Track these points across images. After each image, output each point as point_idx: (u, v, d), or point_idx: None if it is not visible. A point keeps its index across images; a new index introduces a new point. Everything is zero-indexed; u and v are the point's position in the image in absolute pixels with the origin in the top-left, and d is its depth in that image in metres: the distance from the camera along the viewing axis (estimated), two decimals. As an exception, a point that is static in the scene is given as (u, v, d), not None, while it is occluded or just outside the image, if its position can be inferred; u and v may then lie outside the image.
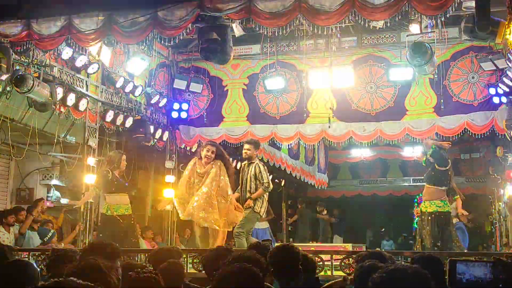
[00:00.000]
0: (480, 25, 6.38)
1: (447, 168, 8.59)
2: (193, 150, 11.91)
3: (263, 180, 8.38)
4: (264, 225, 12.22)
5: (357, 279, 3.31)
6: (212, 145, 8.58)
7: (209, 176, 8.26)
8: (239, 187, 8.63)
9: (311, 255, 4.72)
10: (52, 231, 9.25)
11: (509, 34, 6.36)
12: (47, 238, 9.04)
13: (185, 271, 7.01)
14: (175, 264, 4.18)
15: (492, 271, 2.16)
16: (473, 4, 6.74)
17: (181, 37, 7.62)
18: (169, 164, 11.61)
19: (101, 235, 8.34)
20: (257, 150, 8.70)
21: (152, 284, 2.84)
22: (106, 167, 8.48)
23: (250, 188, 8.41)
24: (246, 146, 8.58)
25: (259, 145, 8.95)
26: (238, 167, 14.31)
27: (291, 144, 11.87)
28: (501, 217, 12.00)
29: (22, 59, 8.03)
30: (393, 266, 2.49)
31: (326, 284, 4.33)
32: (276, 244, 4.45)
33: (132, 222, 8.55)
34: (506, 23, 6.43)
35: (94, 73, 9.24)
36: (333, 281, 3.99)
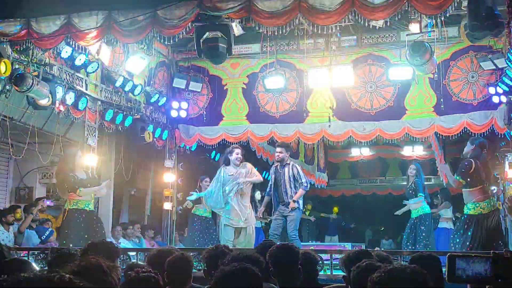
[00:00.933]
0: (486, 24, 6.34)
1: (463, 175, 8.47)
2: (192, 149, 11.94)
3: (301, 180, 8.90)
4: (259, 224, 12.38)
5: (355, 280, 3.30)
6: (239, 148, 9.33)
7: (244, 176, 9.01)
8: (271, 189, 9.17)
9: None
10: (49, 229, 9.25)
11: (509, 33, 6.36)
12: (44, 236, 9.05)
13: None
14: (184, 258, 4.18)
15: (491, 267, 2.15)
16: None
17: (181, 36, 7.62)
18: (168, 163, 11.59)
19: (66, 231, 8.34)
20: (288, 152, 9.25)
21: (152, 284, 2.84)
22: (67, 171, 8.51)
23: (290, 188, 8.90)
24: (277, 149, 9.24)
25: (290, 147, 9.64)
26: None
27: (290, 143, 11.86)
28: (500, 216, 12.00)
29: (21, 58, 8.03)
30: (392, 266, 2.48)
31: None
32: (276, 244, 4.45)
33: (93, 218, 8.51)
34: (506, 22, 6.42)
35: (93, 72, 9.23)
36: (332, 286, 3.99)
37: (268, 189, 9.35)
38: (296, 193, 8.86)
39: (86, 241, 7.72)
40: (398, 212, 10.93)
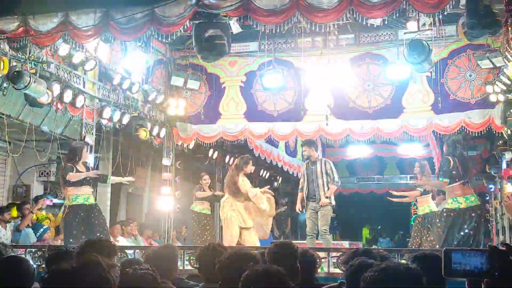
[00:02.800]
0: (484, 22, 6.35)
1: (445, 173, 8.48)
2: (190, 147, 11.95)
3: (334, 176, 9.17)
4: None
5: (348, 279, 3.29)
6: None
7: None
8: (303, 185, 9.35)
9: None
10: (45, 226, 9.23)
11: (507, 31, 6.36)
12: (38, 233, 9.04)
13: (182, 268, 7.03)
14: (167, 249, 4.22)
15: (488, 260, 2.16)
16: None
17: (179, 34, 7.60)
18: (166, 161, 11.59)
19: (68, 229, 8.16)
20: (311, 148, 9.41)
21: (149, 281, 2.83)
22: (68, 163, 8.30)
23: (323, 184, 9.14)
24: (302, 148, 9.61)
25: (312, 143, 9.68)
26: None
27: (288, 141, 11.88)
28: (498, 215, 12.04)
29: (18, 55, 8.00)
30: (385, 264, 2.48)
31: None
32: (274, 241, 4.46)
33: (95, 212, 8.42)
34: (504, 20, 6.43)
35: (91, 69, 9.20)
36: (327, 286, 3.99)
37: (300, 186, 9.54)
38: (328, 189, 9.12)
39: (87, 236, 7.67)
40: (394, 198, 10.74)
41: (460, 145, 8.72)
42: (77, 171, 8.20)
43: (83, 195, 8.22)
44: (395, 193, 10.78)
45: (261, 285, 2.67)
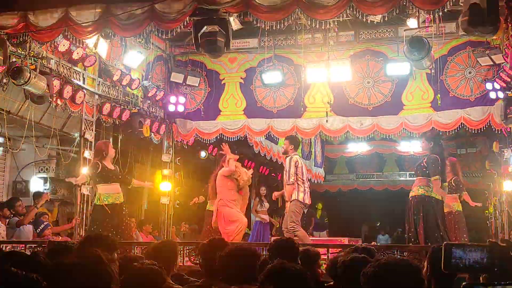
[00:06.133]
0: (490, 18, 6.33)
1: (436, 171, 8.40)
2: (190, 143, 11.95)
3: (289, 175, 8.57)
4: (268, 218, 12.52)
5: (342, 276, 3.30)
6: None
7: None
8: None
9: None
10: (45, 222, 9.23)
11: (507, 29, 6.37)
12: (39, 230, 9.04)
13: (182, 264, 7.05)
14: (167, 244, 4.24)
15: (488, 256, 2.17)
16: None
17: (178, 30, 7.59)
18: (165, 158, 11.60)
19: (95, 227, 8.30)
20: (291, 144, 8.85)
21: (155, 276, 2.84)
22: (95, 159, 8.54)
23: (287, 180, 8.67)
24: (284, 141, 9.21)
25: (293, 139, 9.12)
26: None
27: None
28: (497, 212, 12.05)
29: (18, 51, 8.00)
30: (385, 260, 2.50)
31: None
32: (276, 238, 4.48)
33: (123, 211, 8.51)
34: (504, 18, 6.43)
35: (91, 65, 9.20)
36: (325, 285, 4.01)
37: None
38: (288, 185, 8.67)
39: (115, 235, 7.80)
40: None
41: (441, 140, 8.78)
42: (103, 166, 8.37)
43: (114, 194, 8.33)
44: None
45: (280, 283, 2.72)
